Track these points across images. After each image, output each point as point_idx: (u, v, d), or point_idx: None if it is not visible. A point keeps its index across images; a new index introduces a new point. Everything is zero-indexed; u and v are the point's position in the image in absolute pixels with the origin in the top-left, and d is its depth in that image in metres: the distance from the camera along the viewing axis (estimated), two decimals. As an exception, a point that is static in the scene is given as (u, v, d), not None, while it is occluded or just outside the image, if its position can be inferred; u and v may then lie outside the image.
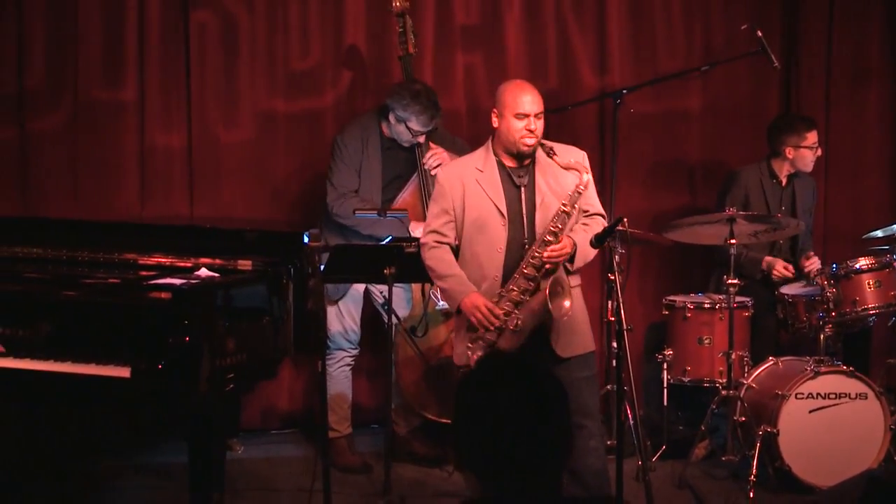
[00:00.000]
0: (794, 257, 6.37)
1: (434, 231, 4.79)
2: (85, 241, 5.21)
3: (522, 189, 4.73)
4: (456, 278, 4.73)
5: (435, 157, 5.81)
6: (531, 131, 4.65)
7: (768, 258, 6.22)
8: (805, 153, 6.25)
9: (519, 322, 4.62)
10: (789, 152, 6.26)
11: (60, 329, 4.60)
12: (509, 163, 4.74)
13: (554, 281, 4.60)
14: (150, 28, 6.27)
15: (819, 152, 6.30)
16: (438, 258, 4.78)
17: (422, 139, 5.81)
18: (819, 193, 6.96)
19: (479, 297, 4.66)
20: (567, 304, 4.61)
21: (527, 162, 4.74)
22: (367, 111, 6.11)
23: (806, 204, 6.40)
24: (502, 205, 4.70)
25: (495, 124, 4.74)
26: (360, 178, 5.82)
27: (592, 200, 4.81)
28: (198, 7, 6.33)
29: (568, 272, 4.71)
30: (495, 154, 4.76)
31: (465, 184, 4.74)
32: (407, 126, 5.73)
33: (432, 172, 5.79)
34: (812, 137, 6.24)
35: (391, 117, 5.77)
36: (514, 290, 4.65)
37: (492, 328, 4.64)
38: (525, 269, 4.63)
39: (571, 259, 4.68)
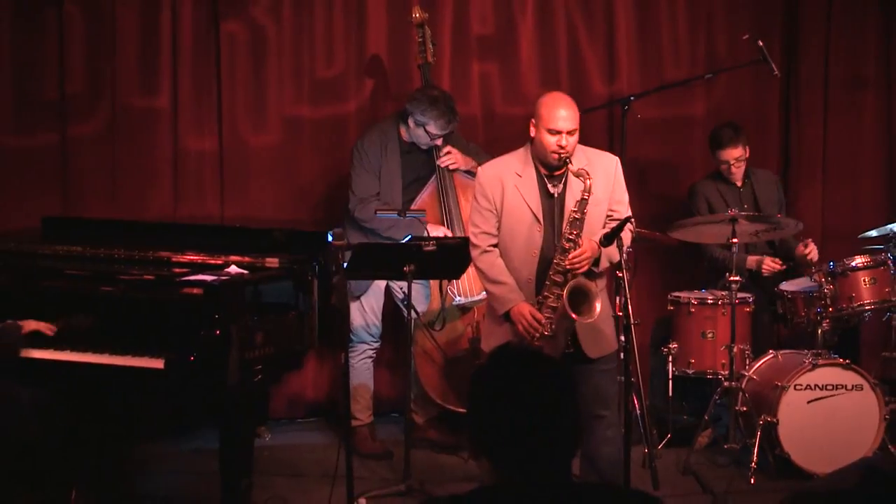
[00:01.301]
0: (775, 253, 6.32)
1: (485, 232, 4.75)
2: (121, 240, 5.22)
3: (556, 197, 4.70)
4: (507, 286, 4.69)
5: (448, 157, 5.81)
6: (561, 147, 4.60)
7: (755, 257, 6.19)
8: (722, 165, 6.23)
9: (553, 326, 4.61)
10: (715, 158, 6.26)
11: (99, 322, 4.62)
12: (545, 171, 4.72)
13: (572, 287, 4.57)
14: (183, 39, 6.29)
15: (741, 167, 6.22)
16: (490, 262, 4.74)
17: (439, 142, 5.81)
18: (817, 194, 6.95)
19: (526, 307, 4.64)
20: (598, 306, 4.58)
21: (561, 171, 4.69)
22: (385, 117, 6.12)
23: (769, 201, 6.33)
24: (539, 211, 4.68)
25: (532, 133, 4.70)
26: (381, 180, 5.82)
27: (621, 207, 4.77)
28: (228, 19, 6.34)
29: (594, 275, 4.68)
30: (533, 161, 4.73)
31: (505, 186, 4.71)
32: (426, 130, 5.73)
33: (441, 163, 5.78)
34: (722, 155, 6.18)
35: (410, 122, 5.77)
36: (550, 297, 4.62)
37: (537, 335, 4.61)
38: (553, 276, 4.61)
39: (597, 262, 4.66)
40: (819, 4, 6.93)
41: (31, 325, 4.56)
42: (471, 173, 5.81)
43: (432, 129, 5.73)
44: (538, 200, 4.68)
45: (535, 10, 6.66)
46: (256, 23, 6.38)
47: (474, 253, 4.79)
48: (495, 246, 4.75)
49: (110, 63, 6.24)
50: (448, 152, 5.84)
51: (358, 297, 5.91)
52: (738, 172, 6.24)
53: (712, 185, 6.31)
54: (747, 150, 6.25)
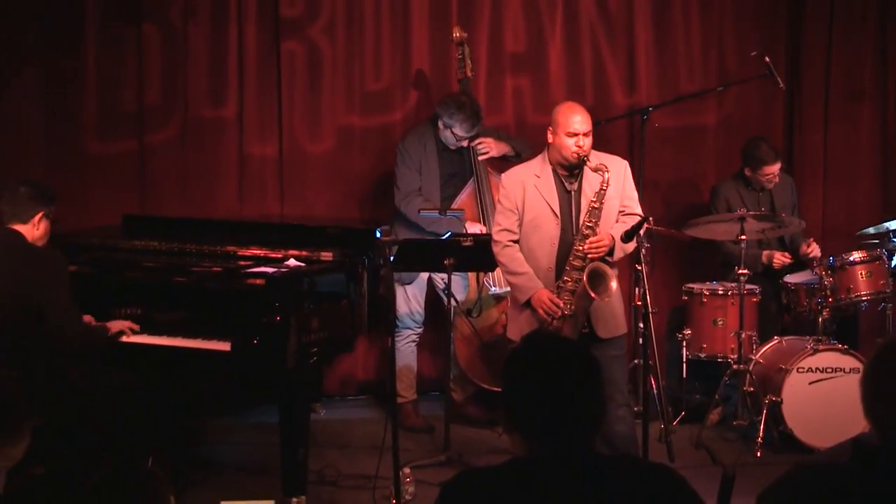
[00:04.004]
0: (785, 248, 6.27)
1: (505, 229, 4.77)
2: (193, 236, 5.25)
3: (572, 193, 4.73)
4: (526, 276, 4.71)
5: (483, 145, 5.83)
6: (580, 147, 4.64)
7: (767, 252, 6.16)
8: (759, 178, 6.14)
9: (572, 307, 4.61)
10: (747, 171, 6.17)
11: (172, 309, 4.67)
12: (561, 171, 4.74)
13: (591, 269, 4.58)
14: (248, 57, 6.32)
15: (776, 179, 6.15)
16: (511, 256, 4.76)
17: (465, 143, 5.82)
18: (818, 196, 6.90)
19: (545, 293, 4.65)
20: (614, 285, 4.60)
21: (576, 171, 4.72)
22: (423, 120, 6.14)
23: (785, 202, 6.27)
24: (556, 206, 4.70)
25: (550, 140, 4.74)
26: (421, 176, 5.84)
27: (632, 203, 4.80)
28: (288, 38, 6.37)
29: (609, 264, 4.68)
30: (550, 163, 4.75)
31: (526, 187, 4.74)
32: (452, 132, 5.76)
33: (480, 157, 5.80)
34: (767, 170, 6.07)
35: (440, 123, 5.80)
36: (569, 281, 4.63)
37: (557, 315, 4.62)
38: (573, 261, 4.63)
39: (611, 252, 4.67)
40: (820, 24, 6.86)
41: (116, 326, 4.60)
42: (507, 157, 5.85)
43: (458, 130, 5.76)
44: (556, 197, 4.71)
45: (562, 29, 6.63)
46: (313, 42, 6.40)
47: (496, 248, 4.80)
48: (515, 241, 4.76)
49: (183, 78, 6.29)
50: (480, 142, 5.85)
51: (404, 286, 5.92)
52: (774, 180, 6.19)
53: (734, 187, 6.24)
54: None
